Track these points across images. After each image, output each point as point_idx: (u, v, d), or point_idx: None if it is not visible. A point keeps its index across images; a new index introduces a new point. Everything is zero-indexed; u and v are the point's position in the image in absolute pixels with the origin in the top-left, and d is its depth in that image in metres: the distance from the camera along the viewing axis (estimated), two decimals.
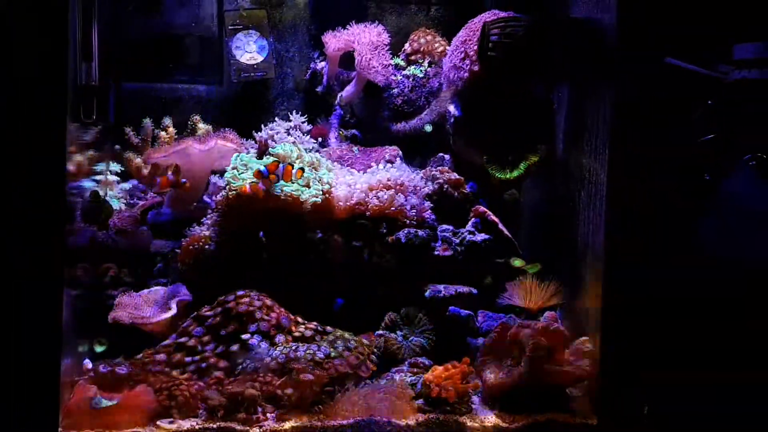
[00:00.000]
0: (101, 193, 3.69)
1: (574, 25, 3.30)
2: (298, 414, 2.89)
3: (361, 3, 4.26)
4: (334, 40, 4.09)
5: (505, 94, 3.65)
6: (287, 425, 2.84)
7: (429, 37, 4.21)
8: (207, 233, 3.48)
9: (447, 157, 3.93)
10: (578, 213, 3.22)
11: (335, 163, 3.78)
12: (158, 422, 2.82)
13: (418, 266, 3.49)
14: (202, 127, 4.06)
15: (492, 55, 3.44)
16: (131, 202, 3.88)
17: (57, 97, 2.70)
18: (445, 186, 3.69)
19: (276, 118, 4.09)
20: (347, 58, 4.16)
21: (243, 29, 4.14)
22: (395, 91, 4.15)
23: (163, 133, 4.00)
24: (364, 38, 4.02)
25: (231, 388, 2.90)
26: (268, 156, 3.52)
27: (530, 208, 3.88)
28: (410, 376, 3.14)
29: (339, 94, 4.16)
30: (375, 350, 3.23)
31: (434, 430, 2.89)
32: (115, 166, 3.94)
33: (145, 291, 3.49)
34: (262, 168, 3.32)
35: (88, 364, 3.14)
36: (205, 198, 3.76)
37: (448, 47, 3.94)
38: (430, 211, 3.61)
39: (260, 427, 2.82)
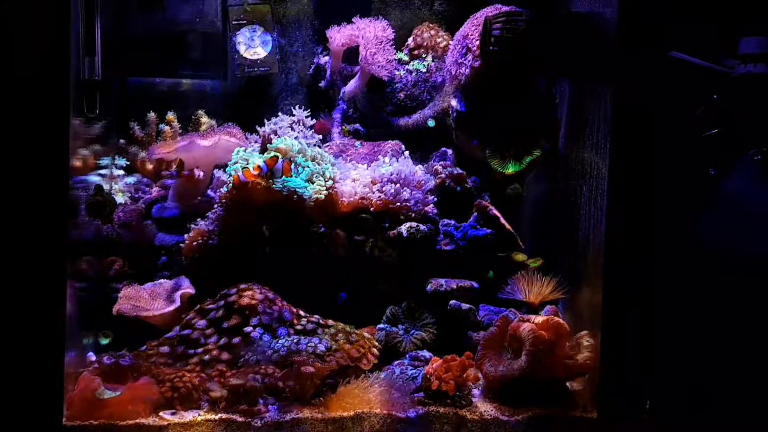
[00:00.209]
0: (106, 187, 3.72)
1: (576, 19, 3.30)
2: (299, 406, 2.91)
3: None
4: (337, 35, 4.10)
5: (507, 88, 3.66)
6: (288, 417, 2.85)
7: (432, 32, 4.22)
8: (210, 227, 3.50)
9: (450, 151, 3.94)
10: (580, 207, 3.22)
11: (338, 158, 3.81)
12: (161, 413, 2.84)
13: (419, 260, 3.51)
14: (206, 121, 4.09)
15: (494, 49, 3.44)
16: (136, 196, 3.89)
17: (59, 91, 2.72)
18: (448, 180, 3.71)
19: (279, 113, 4.10)
20: (351, 53, 4.17)
21: (247, 24, 4.15)
22: (398, 85, 4.16)
23: (167, 128, 4.03)
24: (368, 33, 4.02)
25: (233, 380, 2.92)
26: (269, 151, 3.54)
27: (533, 203, 3.88)
28: (411, 370, 3.15)
29: (342, 89, 4.19)
30: (376, 343, 3.24)
31: (434, 422, 2.90)
32: (120, 161, 3.95)
33: (149, 284, 3.50)
34: (261, 163, 3.34)
35: (92, 356, 3.17)
36: (209, 192, 3.78)
37: (451, 42, 3.95)
38: (432, 205, 3.62)
39: (262, 418, 2.84)
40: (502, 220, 3.60)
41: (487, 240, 3.55)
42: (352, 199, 3.51)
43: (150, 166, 3.98)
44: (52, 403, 2.75)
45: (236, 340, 3.13)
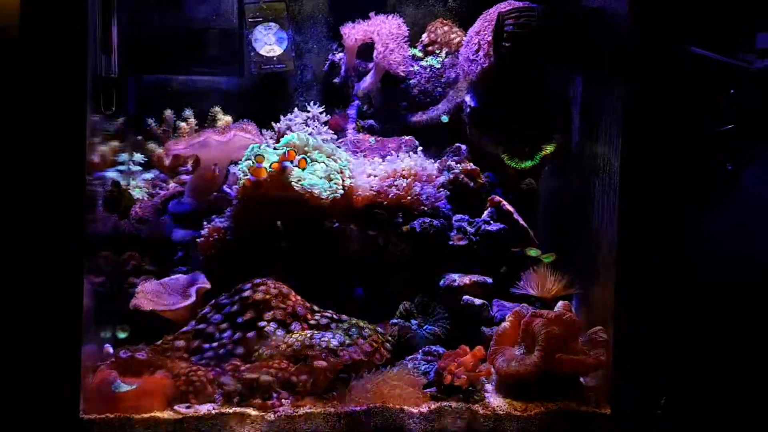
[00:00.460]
0: (123, 182, 3.76)
1: (588, 15, 3.30)
2: (312, 400, 2.93)
3: None
4: (352, 32, 4.10)
5: (520, 84, 3.67)
6: (302, 411, 2.87)
7: (446, 28, 4.22)
8: (226, 224, 3.53)
9: (464, 147, 3.93)
10: (593, 202, 3.22)
11: (352, 153, 3.83)
12: (176, 406, 2.87)
13: (432, 255, 3.52)
14: (222, 118, 4.11)
15: (507, 45, 3.44)
16: (153, 191, 3.92)
17: (77, 88, 2.75)
18: (461, 176, 3.72)
19: (295, 109, 4.13)
20: (365, 50, 4.18)
21: (263, 22, 4.17)
22: (412, 81, 4.16)
23: (183, 124, 4.06)
24: (383, 30, 4.03)
25: (247, 374, 2.95)
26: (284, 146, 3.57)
27: (546, 198, 3.87)
28: (424, 365, 3.15)
29: (357, 85, 4.19)
30: (389, 338, 3.26)
31: (446, 417, 2.90)
32: (138, 157, 3.98)
33: (166, 279, 3.54)
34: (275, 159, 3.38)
35: (110, 349, 3.20)
36: (225, 188, 3.79)
37: (464, 38, 3.96)
38: (445, 200, 3.63)
39: (275, 412, 2.86)
40: (516, 216, 3.60)
41: (500, 235, 3.56)
42: (365, 193, 3.53)
43: (167, 162, 4.00)
44: (69, 397, 2.79)
45: (250, 334, 3.15)
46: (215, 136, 3.71)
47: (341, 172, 3.49)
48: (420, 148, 3.87)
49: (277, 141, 3.69)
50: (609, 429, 2.92)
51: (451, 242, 3.55)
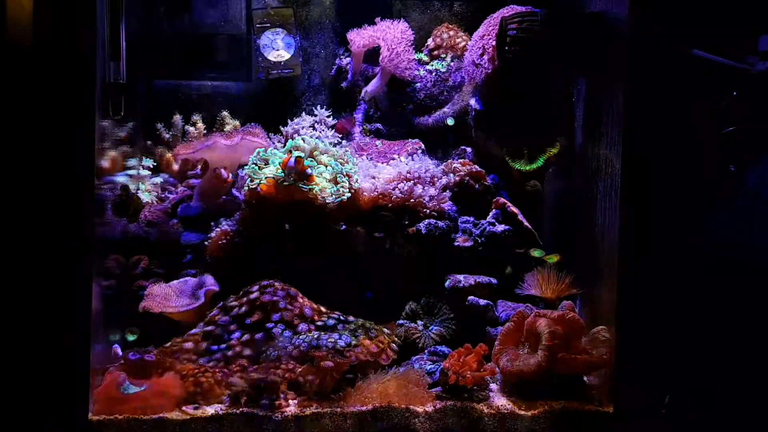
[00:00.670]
0: (133, 187, 3.79)
1: (590, 19, 3.32)
2: (319, 400, 2.95)
3: (385, 0, 4.29)
4: (358, 37, 4.13)
5: (524, 87, 3.69)
6: (308, 411, 2.89)
7: (452, 32, 4.25)
8: (234, 227, 3.56)
9: (469, 149, 3.97)
10: (596, 204, 3.24)
11: (359, 156, 3.86)
12: (184, 407, 2.89)
13: (438, 257, 3.55)
14: (231, 122, 4.15)
15: (510, 49, 3.47)
16: (162, 195, 3.95)
17: (85, 94, 2.79)
18: (467, 178, 3.73)
19: (303, 113, 4.16)
20: (372, 54, 4.21)
21: (270, 27, 4.21)
22: (418, 85, 4.20)
23: (192, 129, 4.10)
24: (388, 34, 4.06)
25: (254, 374, 2.97)
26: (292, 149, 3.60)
27: (551, 200, 3.90)
28: (430, 365, 3.18)
29: (363, 89, 4.21)
30: (396, 339, 3.29)
31: (451, 416, 2.92)
32: (147, 161, 4.01)
33: (175, 281, 3.56)
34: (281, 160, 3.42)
35: (119, 351, 3.22)
36: (233, 191, 3.82)
37: (469, 42, 3.97)
38: (450, 202, 3.66)
39: (282, 412, 2.88)
40: (521, 217, 3.62)
41: (505, 236, 3.57)
42: (371, 195, 3.56)
43: (175, 167, 4.04)
44: (78, 398, 2.82)
45: (258, 335, 3.18)
46: (223, 140, 3.75)
47: (347, 175, 3.51)
48: (419, 151, 3.92)
49: (285, 145, 3.72)
50: (612, 428, 2.93)
51: (456, 244, 3.57)
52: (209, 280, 3.51)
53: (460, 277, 3.49)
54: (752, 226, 3.05)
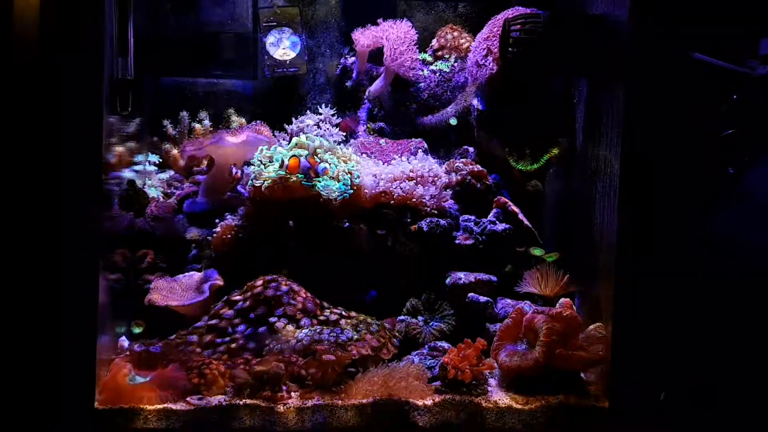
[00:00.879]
0: (140, 182, 3.83)
1: (592, 21, 3.35)
2: (320, 393, 2.99)
3: (390, 0, 4.34)
4: (362, 37, 4.17)
5: (526, 88, 3.73)
6: (310, 403, 2.93)
7: (455, 33, 4.29)
8: (238, 222, 3.60)
9: (471, 149, 4.00)
10: (595, 203, 3.27)
11: (362, 155, 3.89)
12: (188, 398, 2.93)
13: (439, 254, 3.58)
14: (236, 119, 4.20)
15: (513, 50, 3.49)
16: (169, 191, 3.99)
17: (93, 90, 2.83)
18: (468, 177, 3.77)
19: (308, 112, 4.21)
20: (376, 54, 4.24)
21: (276, 26, 4.24)
22: (422, 85, 4.24)
23: (198, 126, 4.15)
24: (392, 34, 4.09)
25: (257, 367, 3.00)
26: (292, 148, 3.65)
27: (551, 199, 3.93)
28: (430, 360, 3.21)
29: (368, 89, 4.25)
30: (397, 334, 3.33)
31: (450, 410, 2.96)
32: (154, 157, 4.06)
33: (180, 276, 3.60)
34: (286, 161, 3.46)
35: (125, 343, 3.28)
36: (239, 188, 3.84)
37: (473, 43, 3.99)
38: (452, 201, 3.70)
39: (284, 404, 2.92)
40: (521, 216, 3.66)
41: (505, 235, 3.61)
42: (373, 192, 3.59)
43: (182, 163, 4.08)
44: (85, 388, 2.86)
45: (262, 329, 3.22)
46: (229, 137, 3.78)
47: (350, 173, 3.55)
48: (421, 150, 3.95)
49: (289, 142, 3.75)
50: (607, 422, 2.97)
51: (457, 241, 3.60)
52: (214, 274, 3.54)
53: (461, 274, 3.52)
54: (749, 228, 3.07)
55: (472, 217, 3.69)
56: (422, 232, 3.55)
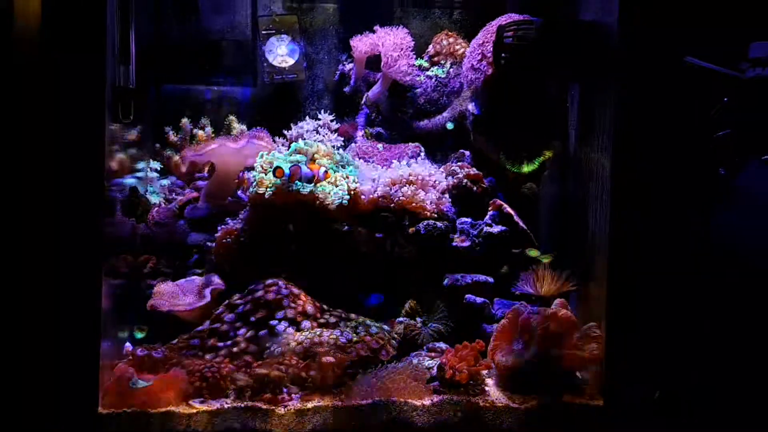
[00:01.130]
0: (142, 189, 3.86)
1: (583, 27, 3.38)
2: (320, 395, 3.02)
3: (387, 8, 4.35)
4: (360, 44, 4.19)
5: (520, 93, 3.76)
6: (310, 405, 2.96)
7: (451, 39, 4.31)
8: (239, 226, 3.63)
9: (467, 153, 4.02)
10: (588, 205, 3.31)
11: (361, 159, 3.93)
12: (190, 401, 2.96)
13: (437, 256, 3.61)
14: (237, 126, 4.23)
15: (506, 56, 3.53)
16: (170, 197, 4.01)
17: (95, 98, 2.87)
18: (465, 180, 3.79)
19: (306, 117, 4.24)
20: (374, 60, 4.26)
21: (275, 34, 4.28)
22: (419, 90, 4.27)
23: (200, 132, 4.18)
24: (389, 41, 4.12)
25: (258, 369, 3.04)
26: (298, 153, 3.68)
27: (546, 201, 3.94)
28: (428, 360, 3.24)
29: (365, 94, 4.28)
30: (395, 336, 3.35)
31: (448, 410, 2.99)
32: (155, 164, 4.08)
33: (182, 280, 3.63)
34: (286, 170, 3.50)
35: (129, 347, 3.31)
36: (239, 193, 3.88)
37: (468, 49, 4.01)
38: (449, 204, 3.72)
39: (285, 406, 2.95)
40: (516, 218, 3.69)
41: (501, 237, 3.64)
42: (371, 196, 3.62)
43: (183, 169, 4.11)
44: (88, 392, 2.89)
45: (262, 332, 3.25)
46: (230, 144, 3.81)
47: (348, 177, 3.59)
48: (422, 155, 4.00)
49: (289, 148, 3.79)
50: (602, 420, 3.00)
51: (454, 244, 3.64)
52: (215, 278, 3.58)
53: (458, 276, 3.55)
54: (740, 228, 3.09)
55: (469, 220, 3.72)
56: (420, 235, 3.57)
